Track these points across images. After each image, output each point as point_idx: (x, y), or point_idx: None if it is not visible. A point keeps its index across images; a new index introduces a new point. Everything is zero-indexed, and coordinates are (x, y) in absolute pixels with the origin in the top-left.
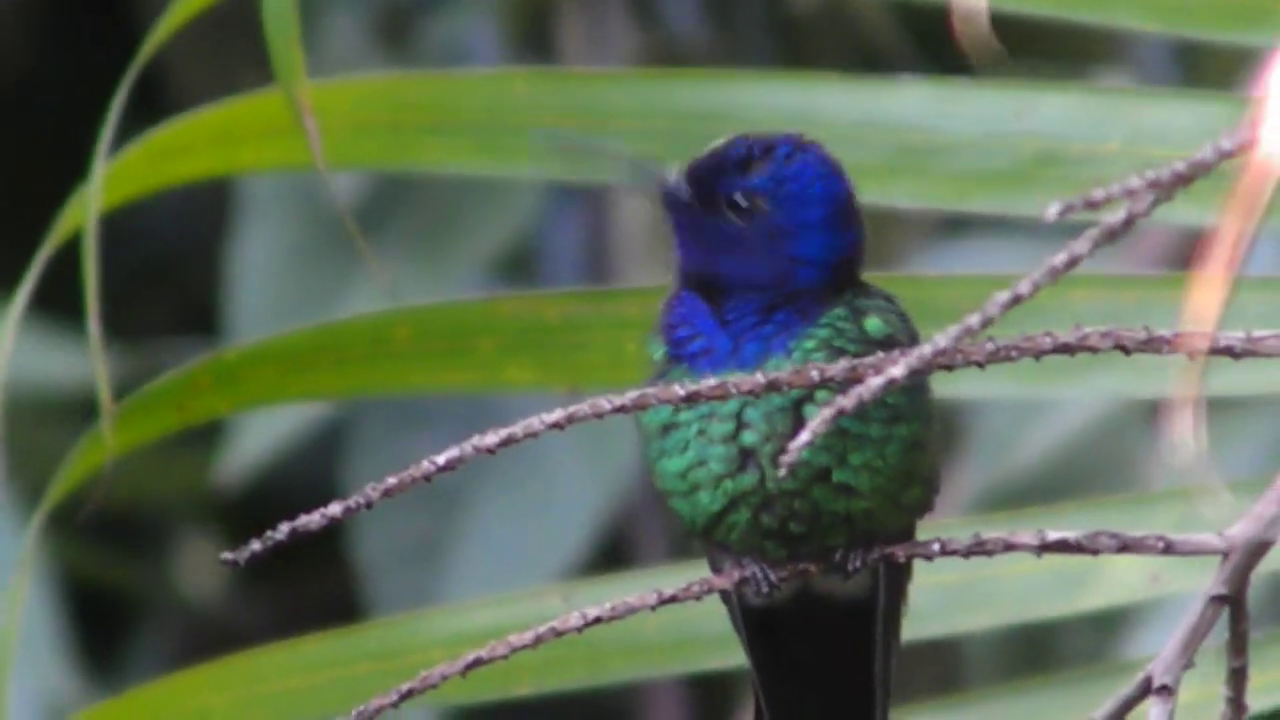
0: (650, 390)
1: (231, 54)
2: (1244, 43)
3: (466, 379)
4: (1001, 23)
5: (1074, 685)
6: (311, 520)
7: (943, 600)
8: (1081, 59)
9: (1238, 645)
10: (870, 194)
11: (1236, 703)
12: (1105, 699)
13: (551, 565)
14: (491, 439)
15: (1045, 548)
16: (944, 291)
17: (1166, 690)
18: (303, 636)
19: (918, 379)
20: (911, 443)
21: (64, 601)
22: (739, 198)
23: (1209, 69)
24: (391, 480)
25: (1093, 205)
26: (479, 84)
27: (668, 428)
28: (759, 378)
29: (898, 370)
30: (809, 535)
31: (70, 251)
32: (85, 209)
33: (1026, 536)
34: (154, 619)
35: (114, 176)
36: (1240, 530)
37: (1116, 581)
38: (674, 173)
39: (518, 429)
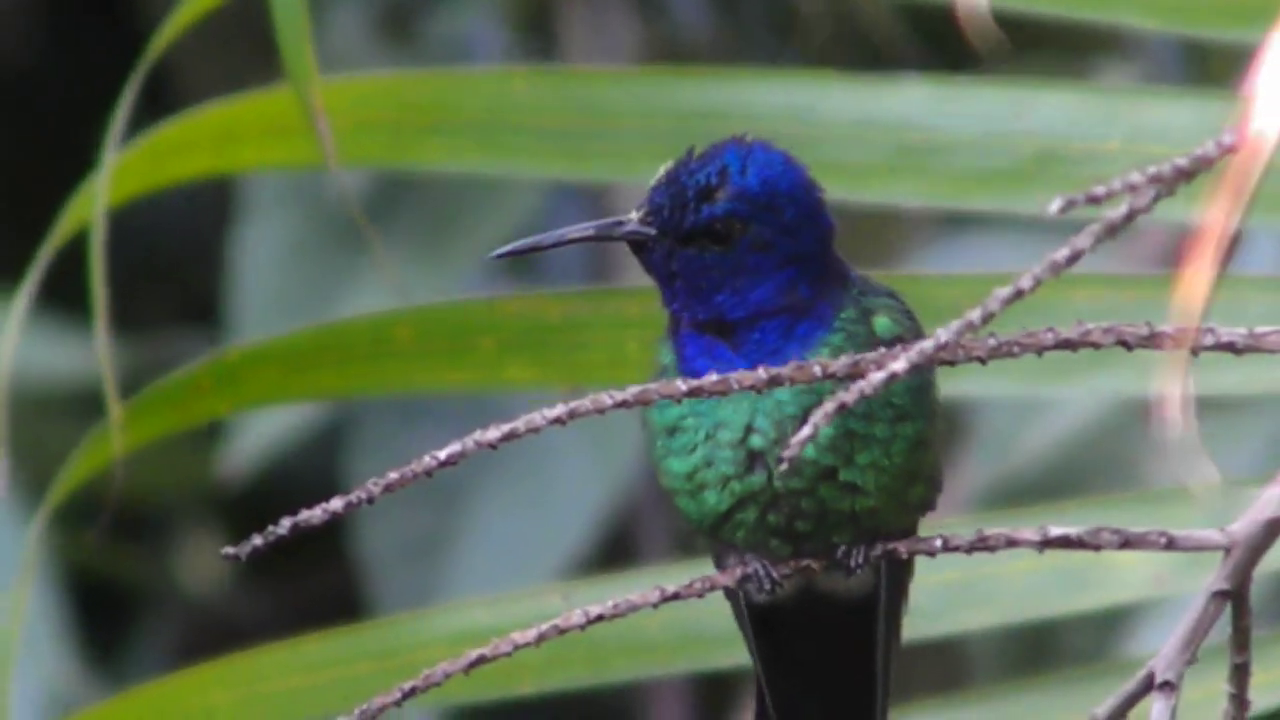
0: (652, 385)
1: (236, 52)
2: (1246, 41)
3: (468, 378)
4: (1005, 19)
5: (1076, 684)
6: (313, 515)
7: (945, 599)
8: (1087, 52)
9: (1240, 641)
10: (871, 192)
11: (1239, 699)
12: (1107, 698)
13: (553, 562)
14: (493, 434)
15: (1047, 543)
16: (944, 290)
17: (1169, 686)
18: (305, 634)
19: (923, 377)
20: (916, 441)
21: (67, 595)
22: (718, 228)
23: (1216, 63)
24: (393, 475)
25: (1095, 200)
26: (480, 83)
27: (674, 430)
28: (761, 373)
29: (899, 365)
30: (814, 533)
31: (73, 247)
32: (89, 205)
33: (1029, 532)
34: (156, 613)
35: (117, 174)
36: (1242, 526)
37: (1118, 580)
38: (631, 217)
39: (520, 424)
